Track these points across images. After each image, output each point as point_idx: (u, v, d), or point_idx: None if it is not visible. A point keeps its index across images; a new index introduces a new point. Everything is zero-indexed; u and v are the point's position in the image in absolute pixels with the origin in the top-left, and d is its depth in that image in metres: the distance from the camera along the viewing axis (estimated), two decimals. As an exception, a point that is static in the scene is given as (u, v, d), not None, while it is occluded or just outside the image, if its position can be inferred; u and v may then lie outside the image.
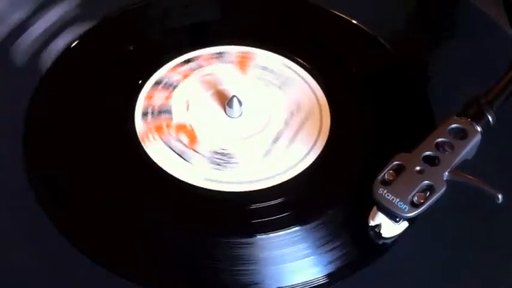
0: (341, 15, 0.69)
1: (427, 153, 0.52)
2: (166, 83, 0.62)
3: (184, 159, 0.57)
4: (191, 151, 0.57)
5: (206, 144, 0.58)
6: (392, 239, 0.52)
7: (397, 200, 0.50)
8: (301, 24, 0.68)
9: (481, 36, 0.67)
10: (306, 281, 0.50)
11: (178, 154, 0.57)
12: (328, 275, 0.51)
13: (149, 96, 0.61)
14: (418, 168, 0.51)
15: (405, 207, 0.50)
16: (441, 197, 0.50)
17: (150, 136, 0.58)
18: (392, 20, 0.70)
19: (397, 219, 0.51)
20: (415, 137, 0.53)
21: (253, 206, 0.54)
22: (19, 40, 0.64)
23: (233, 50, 0.65)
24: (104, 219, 0.53)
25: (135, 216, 0.53)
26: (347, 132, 0.59)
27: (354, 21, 0.68)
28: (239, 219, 0.54)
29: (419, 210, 0.50)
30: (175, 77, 0.62)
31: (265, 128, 0.59)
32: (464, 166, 0.53)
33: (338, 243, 0.52)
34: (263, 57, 0.64)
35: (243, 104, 0.59)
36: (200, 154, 0.57)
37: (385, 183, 0.51)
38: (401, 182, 0.51)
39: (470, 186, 0.51)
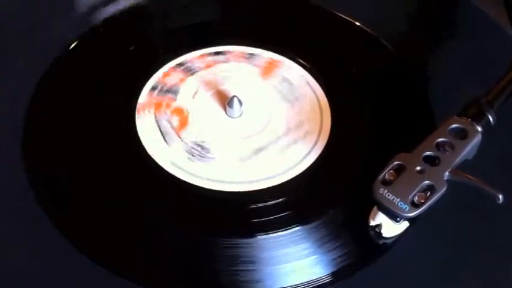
0: (341, 15, 0.69)
1: (428, 153, 0.52)
2: (187, 67, 0.63)
3: (165, 140, 0.57)
4: (175, 135, 0.58)
5: (192, 133, 0.58)
6: (393, 239, 0.52)
7: (398, 200, 0.50)
8: (301, 25, 0.68)
9: (481, 36, 0.67)
10: (307, 281, 0.50)
11: (161, 133, 0.58)
12: (329, 275, 0.51)
13: (167, 74, 0.62)
14: (418, 168, 0.51)
15: (406, 207, 0.50)
16: (442, 197, 0.50)
17: (146, 111, 0.59)
18: (392, 20, 0.70)
19: (398, 219, 0.51)
20: (415, 137, 0.53)
21: (253, 206, 0.54)
22: (19, 40, 0.64)
23: (265, 55, 0.65)
24: (104, 219, 0.53)
25: (135, 216, 0.53)
26: (347, 132, 0.59)
27: (354, 21, 0.68)
28: (239, 219, 0.54)
29: (419, 210, 0.50)
30: (198, 63, 0.63)
31: (265, 128, 0.59)
32: (464, 166, 0.52)
33: (339, 243, 0.52)
34: (288, 68, 0.64)
35: (243, 104, 0.59)
36: (181, 140, 0.57)
37: (386, 183, 0.51)
38: (401, 182, 0.51)
39: (471, 186, 0.51)
